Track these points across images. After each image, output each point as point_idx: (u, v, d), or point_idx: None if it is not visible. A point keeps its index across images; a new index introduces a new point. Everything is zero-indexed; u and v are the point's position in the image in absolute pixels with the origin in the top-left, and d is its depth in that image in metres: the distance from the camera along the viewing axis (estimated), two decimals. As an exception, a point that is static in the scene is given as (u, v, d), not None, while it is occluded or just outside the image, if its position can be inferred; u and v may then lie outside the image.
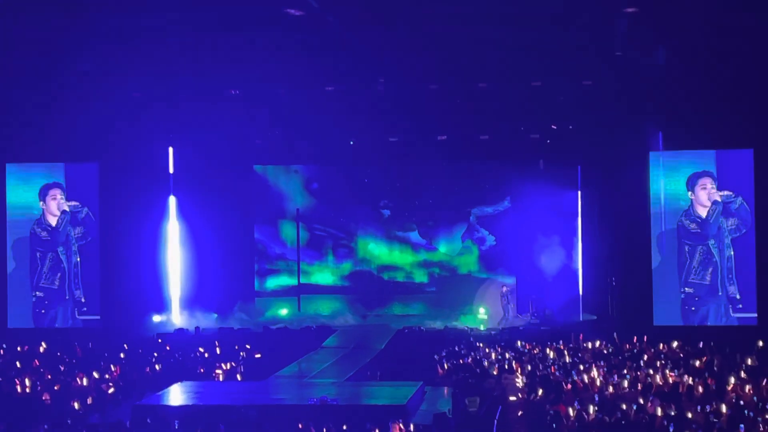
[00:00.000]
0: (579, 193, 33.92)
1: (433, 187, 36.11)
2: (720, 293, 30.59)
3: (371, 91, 31.22)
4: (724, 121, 29.82)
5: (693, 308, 30.64)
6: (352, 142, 34.36)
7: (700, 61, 28.19)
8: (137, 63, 28.78)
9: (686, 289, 30.80)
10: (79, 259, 33.23)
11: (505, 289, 34.08)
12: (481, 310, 34.17)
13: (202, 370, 25.81)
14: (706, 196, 30.82)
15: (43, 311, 33.14)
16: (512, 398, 21.52)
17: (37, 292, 33.25)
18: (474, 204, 35.93)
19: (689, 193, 30.92)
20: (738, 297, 30.56)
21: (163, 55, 28.46)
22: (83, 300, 33.20)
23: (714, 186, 30.70)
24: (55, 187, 33.40)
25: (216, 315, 34.42)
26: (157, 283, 34.35)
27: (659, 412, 18.71)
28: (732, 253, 30.66)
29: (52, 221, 33.31)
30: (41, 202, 33.34)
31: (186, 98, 31.59)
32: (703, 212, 30.82)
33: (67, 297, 33.15)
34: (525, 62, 28.68)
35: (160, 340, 30.32)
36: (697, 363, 24.16)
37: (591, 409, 18.92)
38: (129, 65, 28.94)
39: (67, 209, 33.25)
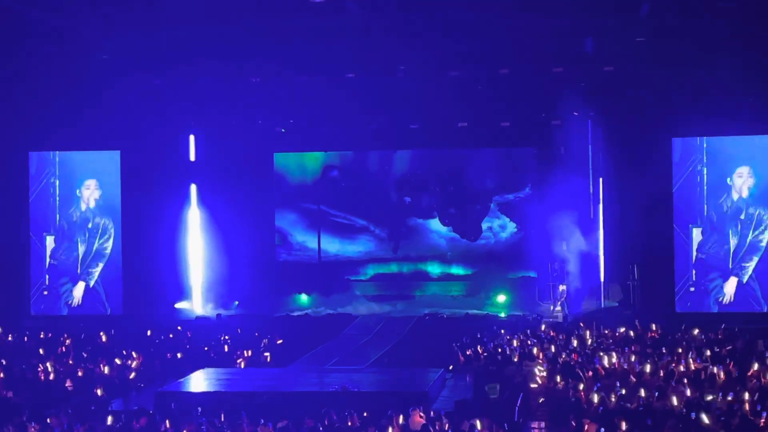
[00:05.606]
0: (601, 180, 33.72)
1: (454, 174, 36.03)
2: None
3: (391, 78, 31.17)
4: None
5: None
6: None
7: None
8: (158, 51, 28.81)
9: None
10: (103, 248, 33.62)
11: (562, 288, 33.50)
12: (501, 296, 34.02)
13: (226, 349, 25.87)
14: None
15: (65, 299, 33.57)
16: (533, 385, 21.49)
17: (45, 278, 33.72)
18: (495, 191, 35.84)
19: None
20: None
21: (184, 44, 28.49)
22: (92, 284, 33.55)
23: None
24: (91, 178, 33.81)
25: (237, 302, 34.51)
26: (179, 271, 34.47)
27: (681, 399, 18.63)
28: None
29: (82, 208, 33.70)
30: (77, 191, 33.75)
31: (206, 87, 31.65)
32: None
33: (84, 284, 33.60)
34: (545, 49, 28.61)
35: (179, 327, 30.38)
36: (719, 350, 24.04)
37: (613, 396, 18.88)
38: (150, 54, 28.98)
39: (94, 201, 33.63)
